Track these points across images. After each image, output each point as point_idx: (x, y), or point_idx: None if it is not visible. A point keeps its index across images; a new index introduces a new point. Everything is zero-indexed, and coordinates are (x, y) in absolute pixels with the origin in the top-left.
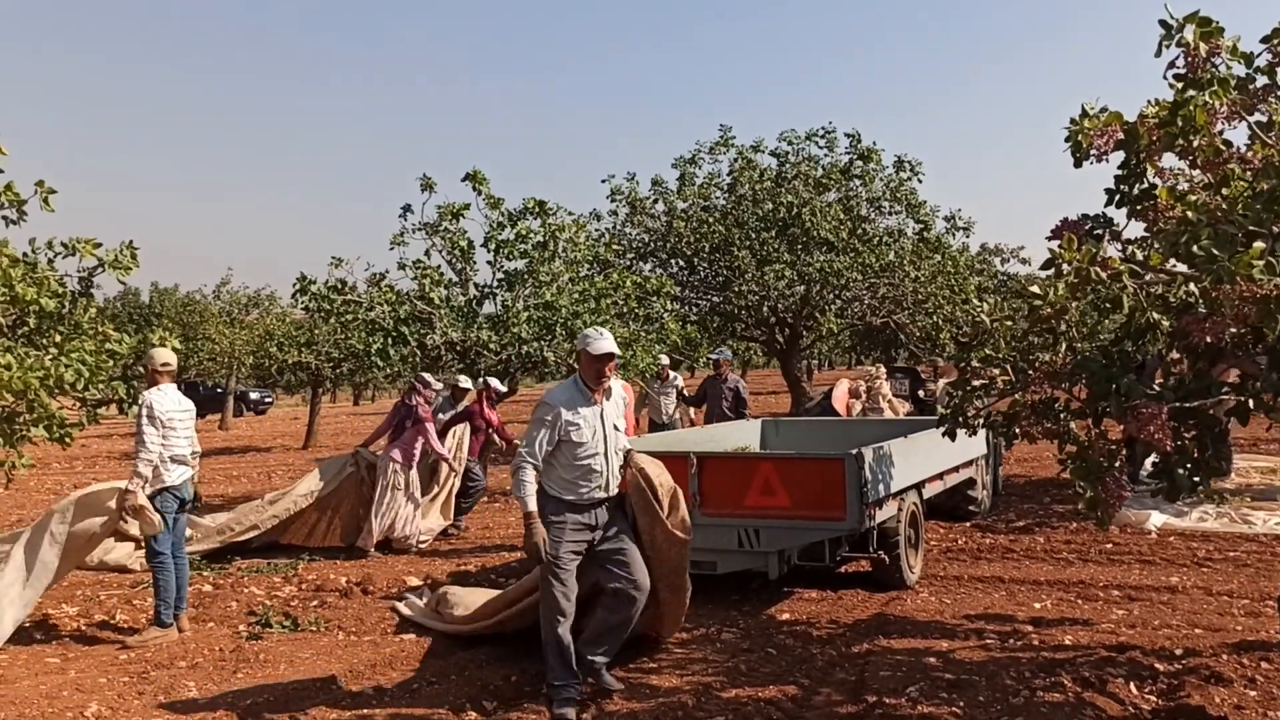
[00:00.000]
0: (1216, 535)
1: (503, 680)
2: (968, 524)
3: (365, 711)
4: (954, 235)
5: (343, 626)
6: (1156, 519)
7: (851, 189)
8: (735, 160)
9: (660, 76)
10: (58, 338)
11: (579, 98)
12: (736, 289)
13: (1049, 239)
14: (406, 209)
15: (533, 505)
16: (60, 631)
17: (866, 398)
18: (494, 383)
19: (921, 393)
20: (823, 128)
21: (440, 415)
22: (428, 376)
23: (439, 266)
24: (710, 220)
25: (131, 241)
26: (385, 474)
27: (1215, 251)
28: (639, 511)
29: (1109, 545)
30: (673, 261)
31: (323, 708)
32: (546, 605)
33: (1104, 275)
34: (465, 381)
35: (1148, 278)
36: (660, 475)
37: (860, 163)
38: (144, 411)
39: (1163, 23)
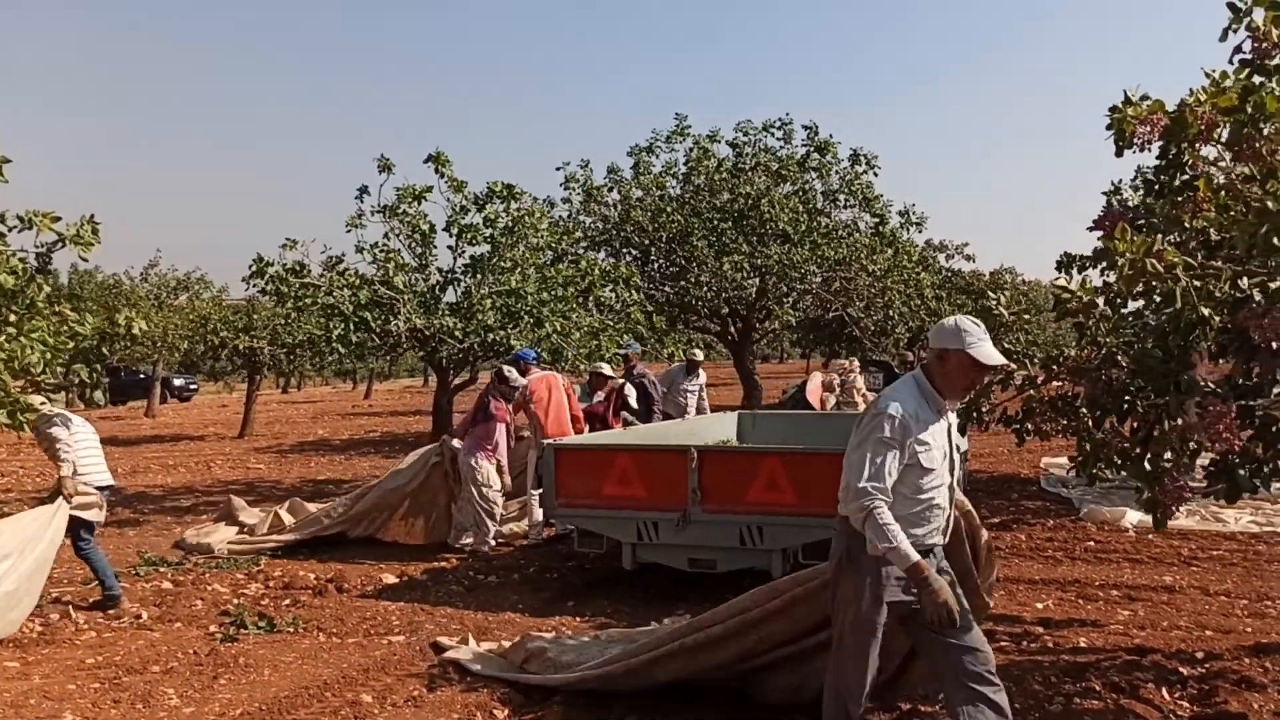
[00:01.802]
0: (1194, 533)
1: (509, 687)
2: None
3: None
4: (907, 230)
5: (322, 627)
6: (1132, 516)
7: (807, 181)
8: (691, 150)
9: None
10: (12, 317)
11: (532, 84)
12: (693, 280)
13: (1093, 229)
14: (364, 190)
15: (914, 553)
16: (15, 634)
17: (840, 391)
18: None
19: None
20: (780, 119)
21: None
22: (509, 371)
23: (399, 251)
24: (668, 210)
25: (93, 216)
26: (463, 469)
27: None
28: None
29: (1091, 543)
30: (626, 251)
31: (322, 717)
32: (840, 681)
33: (1160, 268)
34: (606, 369)
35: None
36: (978, 520)
37: (817, 155)
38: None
39: (1231, 5)
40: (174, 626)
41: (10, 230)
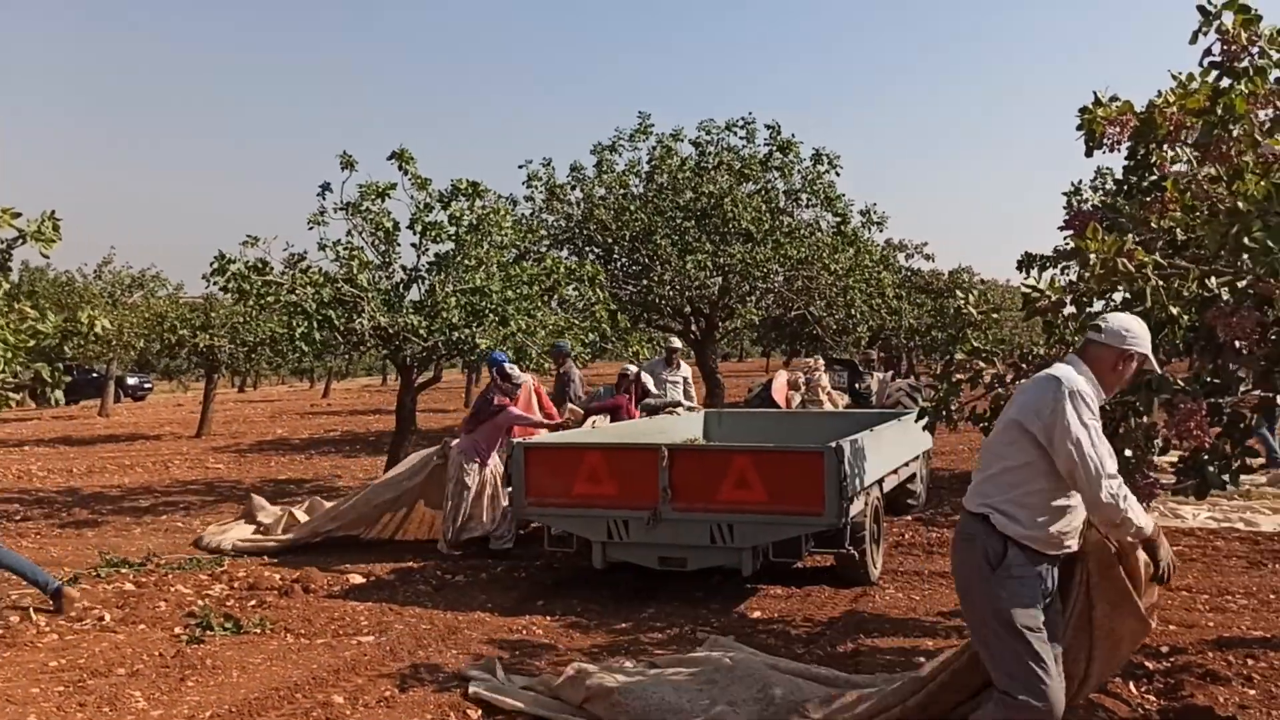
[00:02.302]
0: None
1: None
2: (909, 518)
3: None
4: (869, 229)
5: (290, 628)
6: None
7: (770, 180)
8: (654, 148)
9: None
10: None
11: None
12: (656, 278)
13: (1063, 228)
14: (325, 187)
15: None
16: None
17: (805, 389)
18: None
19: (858, 385)
20: (742, 118)
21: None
22: (511, 368)
23: (362, 249)
24: (631, 208)
25: (54, 212)
26: (452, 469)
27: (1270, 243)
28: (1100, 588)
29: None
30: (589, 250)
31: (293, 719)
32: (1021, 682)
33: (1130, 267)
34: (632, 368)
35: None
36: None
37: (779, 154)
38: None
39: (1201, 8)
40: (138, 628)
41: None
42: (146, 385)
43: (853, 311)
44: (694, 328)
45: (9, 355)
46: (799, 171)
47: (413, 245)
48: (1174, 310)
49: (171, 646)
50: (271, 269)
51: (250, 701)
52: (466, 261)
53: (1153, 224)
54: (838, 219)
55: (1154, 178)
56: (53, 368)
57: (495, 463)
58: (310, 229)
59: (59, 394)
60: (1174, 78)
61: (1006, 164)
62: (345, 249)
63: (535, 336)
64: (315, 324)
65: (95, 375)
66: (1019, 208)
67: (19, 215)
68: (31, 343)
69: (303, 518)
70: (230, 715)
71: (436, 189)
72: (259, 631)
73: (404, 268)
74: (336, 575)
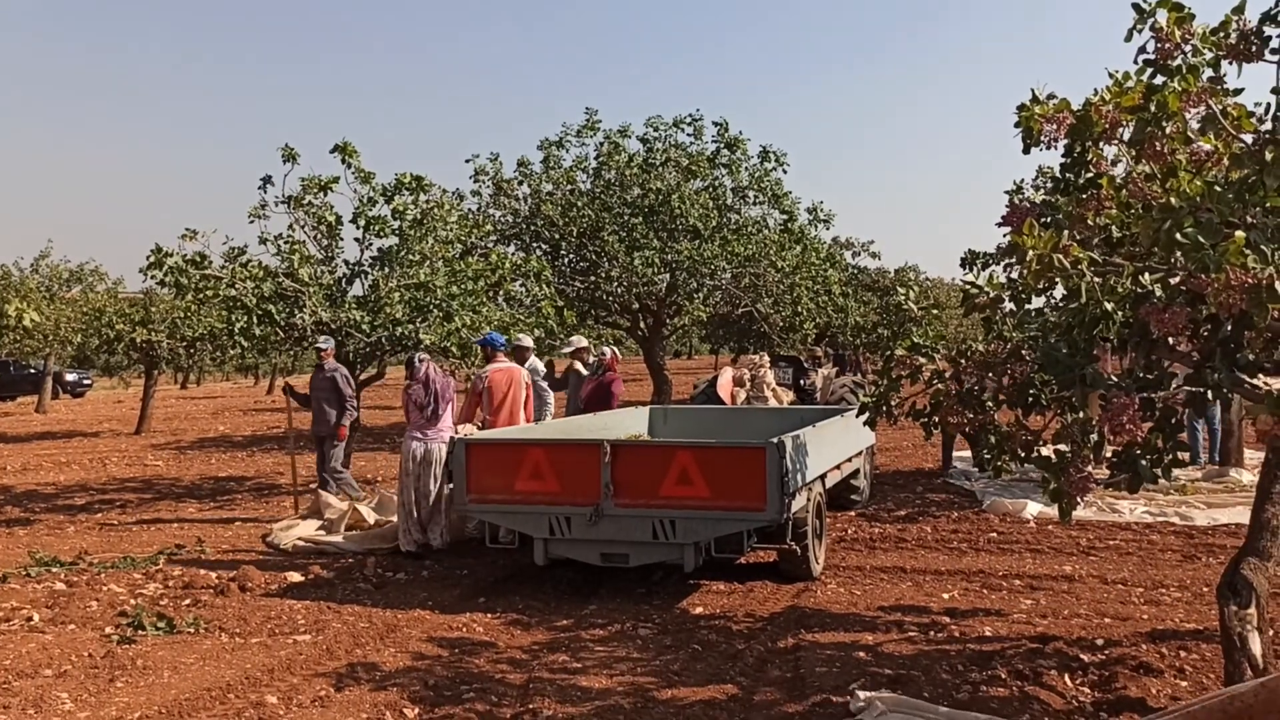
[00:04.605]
0: (1091, 524)
1: (419, 684)
2: (852, 513)
3: None
4: (815, 227)
5: (225, 628)
6: (1033, 508)
7: (717, 177)
8: (602, 144)
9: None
10: None
11: (436, 77)
12: (603, 274)
13: (1001, 224)
14: (267, 180)
15: None
16: None
17: (751, 386)
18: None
19: (803, 381)
20: (690, 115)
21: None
22: (417, 360)
23: (304, 243)
24: (579, 204)
25: None
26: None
27: (1201, 239)
28: None
29: (994, 534)
30: (536, 245)
31: (225, 719)
32: None
33: (1066, 263)
34: (580, 341)
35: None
36: None
37: (727, 151)
38: None
39: (1135, 5)
40: (67, 629)
41: None
42: (86, 381)
43: (799, 308)
44: (642, 324)
45: None
46: (746, 169)
47: (356, 240)
48: (1108, 306)
49: (101, 647)
50: (210, 263)
51: (181, 702)
52: (411, 256)
53: (1089, 221)
54: (785, 216)
55: (1090, 175)
56: None
57: None
58: (251, 223)
59: None
60: (1110, 76)
61: (956, 161)
62: (287, 243)
63: (480, 332)
64: (255, 319)
65: (33, 371)
66: (965, 206)
67: None
68: None
69: (368, 515)
70: (160, 716)
71: (380, 183)
72: (193, 631)
73: (347, 262)
74: (274, 574)
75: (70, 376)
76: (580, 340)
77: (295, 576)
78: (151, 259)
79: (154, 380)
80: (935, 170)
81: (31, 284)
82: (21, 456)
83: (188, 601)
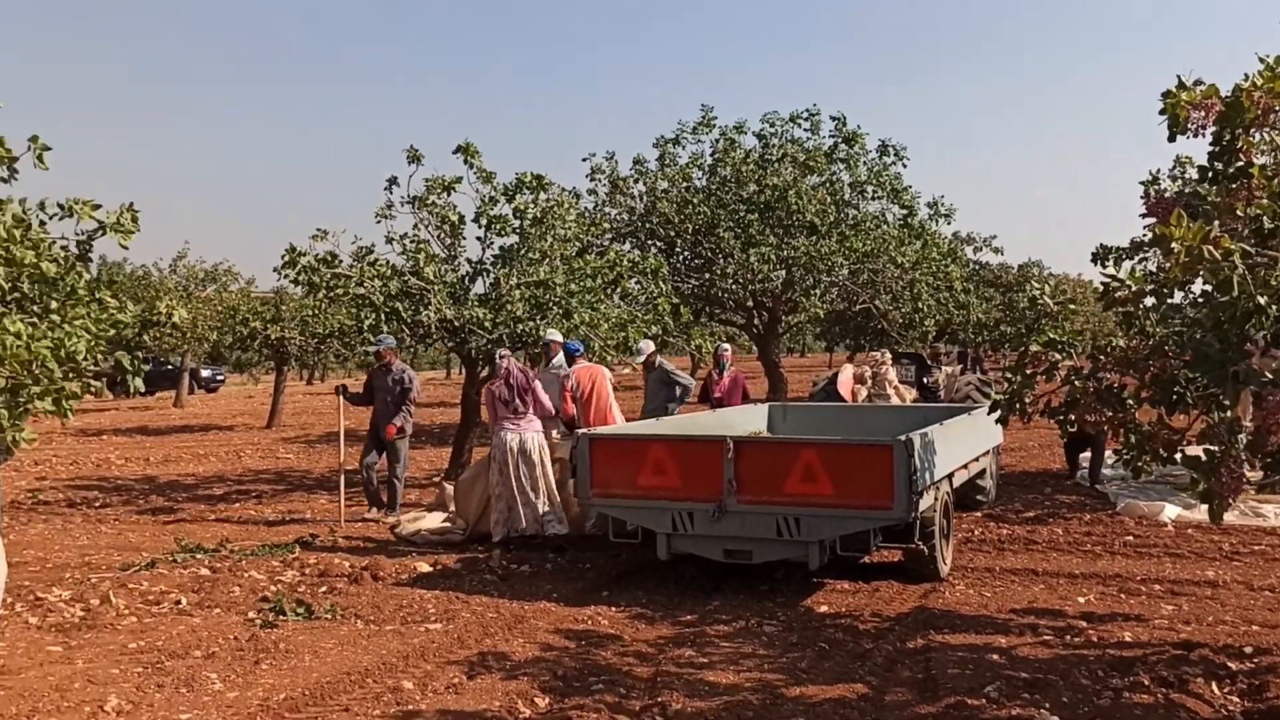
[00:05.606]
0: (1234, 528)
1: (549, 674)
2: (979, 514)
3: (410, 708)
4: (936, 222)
5: (359, 615)
6: (1170, 511)
7: (835, 173)
8: (718, 141)
9: (639, 60)
10: (54, 305)
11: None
12: (719, 271)
13: (1144, 215)
14: (393, 181)
15: None
16: (56, 618)
17: (872, 383)
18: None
19: (926, 379)
20: (807, 110)
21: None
22: (502, 352)
23: (428, 242)
24: (694, 201)
25: (132, 204)
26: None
27: None
28: None
29: (1130, 537)
30: (651, 243)
31: (364, 703)
32: None
33: (1216, 255)
34: (649, 347)
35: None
36: None
37: (845, 146)
38: None
39: None
40: (213, 612)
41: (51, 218)
42: (219, 377)
43: (919, 305)
44: (757, 321)
45: (91, 344)
46: (864, 163)
47: (478, 239)
48: (1261, 300)
49: (245, 630)
50: (340, 262)
51: (323, 685)
52: (531, 254)
53: (1239, 211)
54: (904, 211)
55: (1240, 164)
56: (132, 356)
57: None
58: (378, 223)
59: (139, 381)
60: (1261, 61)
61: (1081, 161)
62: (412, 242)
63: (598, 329)
64: (383, 316)
65: (171, 367)
66: (1089, 203)
67: (99, 207)
68: (112, 332)
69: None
70: (303, 698)
71: (501, 182)
72: (330, 617)
73: (469, 261)
74: (404, 563)
75: (205, 372)
76: (648, 345)
77: (424, 566)
78: (286, 258)
79: (284, 376)
80: (1054, 163)
81: (170, 283)
82: (163, 449)
83: (324, 589)
